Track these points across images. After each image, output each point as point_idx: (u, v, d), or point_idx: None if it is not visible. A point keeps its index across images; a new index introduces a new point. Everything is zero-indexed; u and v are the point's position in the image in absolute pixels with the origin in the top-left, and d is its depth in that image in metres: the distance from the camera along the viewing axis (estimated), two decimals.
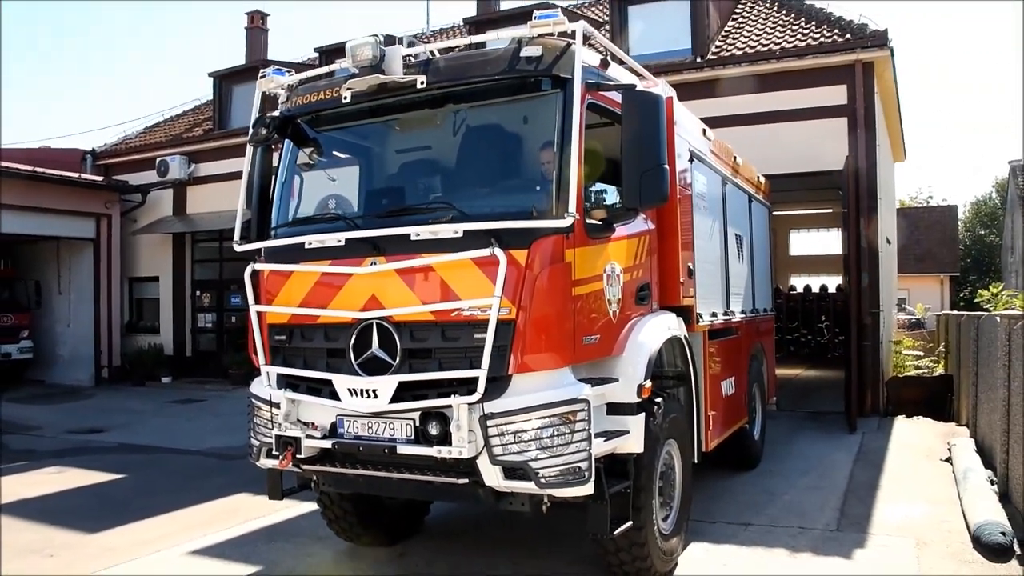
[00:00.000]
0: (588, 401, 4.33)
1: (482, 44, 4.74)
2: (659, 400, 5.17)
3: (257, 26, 21.78)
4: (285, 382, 5.01)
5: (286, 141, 5.49)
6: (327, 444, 4.74)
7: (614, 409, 4.81)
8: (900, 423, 12.06)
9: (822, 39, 12.97)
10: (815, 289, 25.16)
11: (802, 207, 23.51)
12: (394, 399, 4.52)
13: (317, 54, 18.19)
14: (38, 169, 17.16)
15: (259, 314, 5.11)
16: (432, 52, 4.86)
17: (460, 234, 4.44)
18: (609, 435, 4.65)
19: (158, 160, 19.02)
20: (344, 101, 4.92)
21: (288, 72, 5.46)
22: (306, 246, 4.97)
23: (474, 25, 16.76)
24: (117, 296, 19.46)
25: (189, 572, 5.99)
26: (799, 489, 7.89)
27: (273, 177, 5.46)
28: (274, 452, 4.88)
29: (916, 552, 5.94)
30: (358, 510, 5.94)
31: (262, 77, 5.38)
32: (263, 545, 6.52)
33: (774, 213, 24.68)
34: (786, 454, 9.56)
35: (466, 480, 4.43)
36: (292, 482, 5.54)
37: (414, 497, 5.49)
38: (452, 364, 4.46)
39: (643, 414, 4.85)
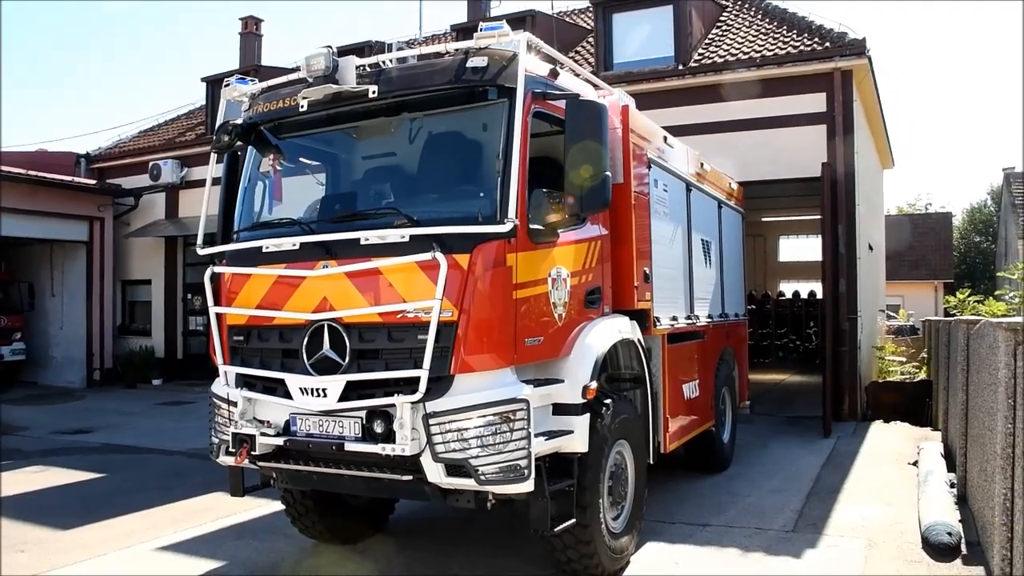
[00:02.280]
0: (527, 401, 4.47)
1: (437, 55, 4.90)
2: (608, 401, 5.31)
3: (251, 31, 22.02)
4: (243, 381, 5.17)
5: (249, 148, 5.66)
6: (279, 441, 4.89)
7: (559, 409, 4.97)
8: (876, 428, 12.18)
9: (802, 47, 13.13)
10: (804, 295, 25.28)
11: (789, 213, 23.64)
12: (342, 398, 4.67)
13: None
14: (34, 173, 17.35)
15: (219, 315, 5.27)
16: (385, 62, 5.02)
17: (406, 239, 4.60)
18: (552, 434, 4.79)
19: (151, 164, 19.24)
20: (301, 110, 5.08)
21: (251, 81, 5.65)
22: (264, 250, 5.13)
23: (461, 32, 16.94)
24: (109, 299, 19.63)
25: (155, 567, 6.14)
26: (763, 491, 8.01)
27: (240, 183, 5.63)
28: (231, 449, 5.03)
29: (865, 552, 6.06)
30: (319, 507, 6.08)
31: (226, 86, 5.57)
32: (230, 542, 6.67)
33: (763, 220, 24.89)
34: (757, 458, 9.68)
35: (410, 477, 4.58)
36: (255, 480, 5.70)
37: (363, 494, 5.63)
38: (397, 364, 4.61)
39: (588, 415, 4.99)
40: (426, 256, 4.44)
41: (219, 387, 5.40)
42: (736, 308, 10.00)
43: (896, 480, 8.53)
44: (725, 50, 14.17)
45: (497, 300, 4.52)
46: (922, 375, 15.56)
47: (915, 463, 9.20)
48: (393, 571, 5.85)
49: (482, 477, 4.39)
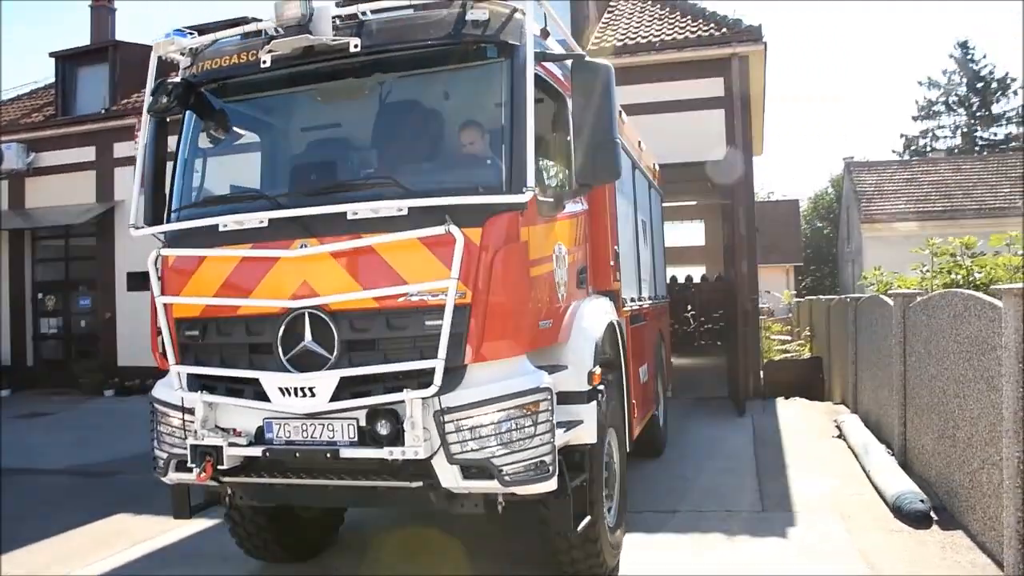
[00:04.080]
0: (551, 390, 4.04)
1: (427, 5, 4.30)
2: (602, 388, 4.95)
3: (103, 4, 19.93)
4: (199, 384, 4.40)
5: (187, 113, 4.84)
6: (255, 452, 4.19)
7: (564, 398, 4.52)
8: (781, 405, 12.55)
9: (700, 33, 13.30)
10: (680, 280, 26.05)
11: (676, 199, 24.22)
12: (334, 397, 4.04)
13: None
14: None
15: (165, 307, 4.45)
16: (365, 12, 4.37)
17: (405, 212, 4.02)
18: (567, 426, 4.37)
19: None
20: (263, 66, 4.36)
21: (190, 34, 4.80)
22: (220, 228, 4.37)
23: None
24: None
25: None
26: (711, 473, 7.95)
27: (179, 153, 4.80)
28: (190, 464, 4.26)
29: (844, 525, 6.06)
30: (273, 525, 5.37)
31: (162, 39, 4.70)
32: (159, 571, 5.80)
33: None
34: (686, 440, 9.66)
35: (419, 483, 4.03)
36: (198, 497, 4.94)
37: (353, 506, 5.01)
38: (399, 355, 4.03)
39: (594, 402, 4.61)
40: (436, 230, 3.89)
41: (164, 391, 4.60)
42: (662, 289, 9.95)
43: (831, 454, 8.73)
44: (622, 34, 14.15)
45: (515, 279, 4.04)
46: (806, 353, 16.33)
47: (839, 436, 9.49)
48: None
49: (506, 478, 3.91)
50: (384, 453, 3.92)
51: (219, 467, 4.20)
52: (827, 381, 13.82)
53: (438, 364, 3.86)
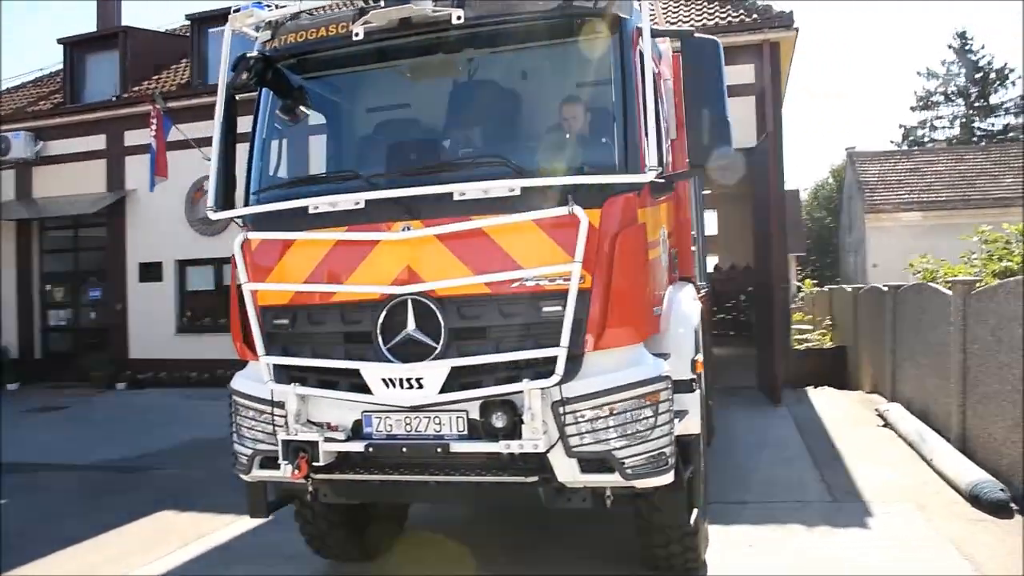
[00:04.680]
0: (670, 378, 3.86)
1: None
2: (697, 376, 4.78)
3: None
4: (287, 376, 4.18)
5: (263, 90, 4.61)
6: (356, 447, 3.97)
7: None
8: (813, 394, 12.43)
9: (730, 19, 13.11)
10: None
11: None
12: (444, 388, 3.84)
13: (188, 22, 16.55)
14: None
15: (252, 294, 4.22)
16: None
17: (517, 192, 3.82)
18: (677, 416, 4.19)
19: None
20: (356, 38, 4.14)
21: (267, 7, 4.56)
22: (310, 210, 4.15)
23: None
24: None
25: None
26: (766, 463, 7.80)
27: (255, 133, 4.56)
28: (281, 460, 4.05)
29: (922, 515, 5.92)
30: (345, 523, 5.16)
31: (236, 11, 4.46)
32: (222, 571, 5.59)
33: None
34: (729, 429, 9.50)
35: (535, 478, 3.83)
36: (272, 494, 4.74)
37: (454, 501, 4.79)
38: (511, 344, 3.84)
39: (698, 391, 4.44)
40: (558, 211, 3.69)
41: (245, 383, 4.39)
42: (706, 277, 9.76)
43: (879, 442, 8.61)
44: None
45: (636, 263, 3.86)
46: (827, 342, 16.22)
47: (884, 425, 9.36)
48: None
49: (628, 471, 3.73)
50: (500, 447, 3.73)
51: (315, 463, 3.98)
52: (854, 371, 13.71)
53: (560, 352, 3.67)
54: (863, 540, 5.51)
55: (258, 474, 4.32)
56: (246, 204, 4.50)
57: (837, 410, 10.86)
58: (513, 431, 3.74)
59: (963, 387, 7.53)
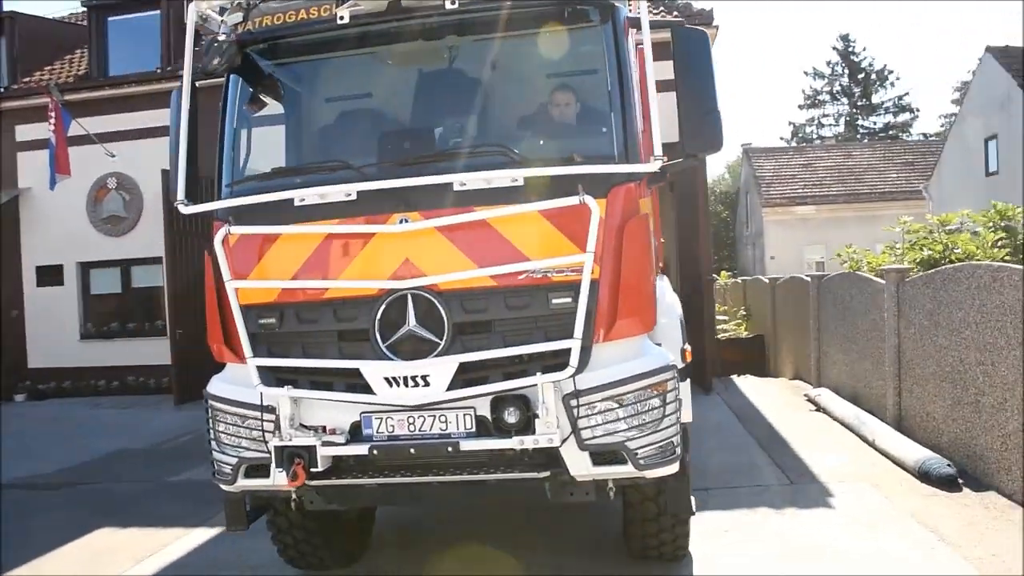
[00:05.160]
0: (676, 367, 3.86)
1: None
2: (687, 365, 4.81)
3: None
4: (274, 379, 3.94)
5: (231, 77, 4.33)
6: (360, 450, 3.78)
7: None
8: (739, 381, 12.85)
9: (651, 16, 13.32)
10: None
11: None
12: (451, 385, 3.71)
13: (85, 9, 15.57)
14: None
15: (235, 292, 3.95)
16: None
17: (520, 182, 3.72)
18: None
19: None
20: (340, 21, 3.93)
21: None
22: (296, 202, 3.92)
23: None
24: None
25: None
26: (716, 449, 7.95)
27: (225, 121, 4.28)
28: (276, 468, 3.82)
29: (879, 493, 6.17)
30: (322, 530, 4.95)
31: None
32: None
33: None
34: None
35: (547, 473, 3.76)
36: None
37: (454, 502, 4.63)
38: (518, 337, 3.74)
39: (688, 380, 4.46)
40: (567, 201, 3.61)
41: (225, 387, 4.12)
42: None
43: (817, 425, 8.95)
44: None
45: (641, 253, 3.83)
46: (742, 332, 16.80)
47: (817, 409, 9.75)
48: None
49: (641, 461, 3.71)
50: (514, 442, 3.63)
51: (312, 469, 3.78)
52: (773, 358, 14.25)
53: (574, 344, 3.60)
54: (831, 519, 5.70)
55: (244, 484, 4.05)
56: (218, 197, 4.22)
57: (766, 397, 11.25)
58: (527, 426, 3.66)
59: (898, 370, 7.92)
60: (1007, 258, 8.23)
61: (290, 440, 3.80)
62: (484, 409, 3.75)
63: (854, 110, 49.16)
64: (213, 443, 4.16)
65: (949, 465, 6.28)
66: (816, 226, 33.01)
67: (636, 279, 3.79)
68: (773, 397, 11.18)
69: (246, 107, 4.36)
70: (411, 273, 3.75)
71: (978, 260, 7.89)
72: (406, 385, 3.74)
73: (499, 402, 3.70)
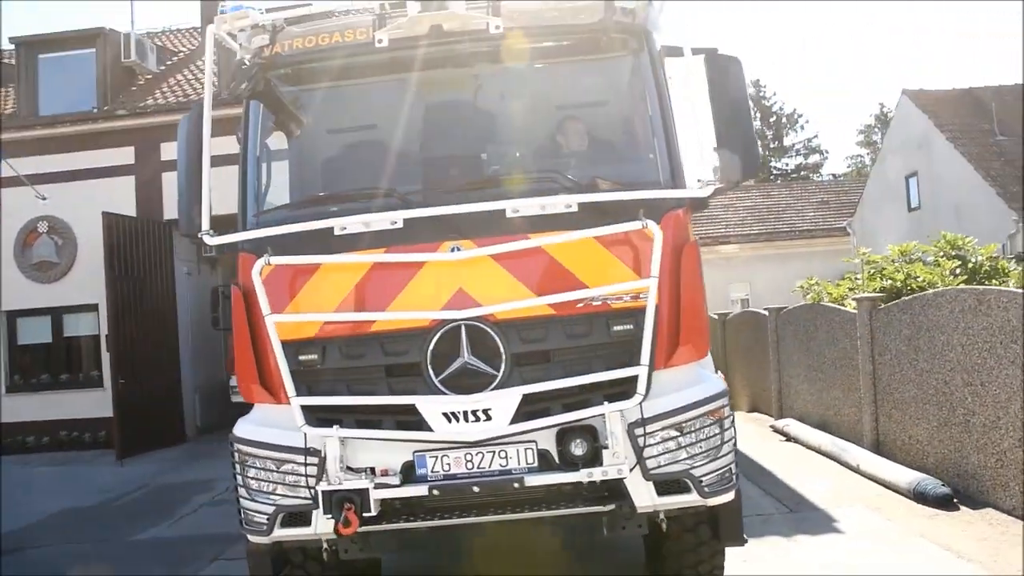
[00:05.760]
0: (729, 393, 3.83)
1: None
2: None
3: None
4: (315, 419, 3.71)
5: (252, 103, 4.15)
6: (419, 491, 3.57)
7: None
8: None
9: None
10: None
11: None
12: (515, 419, 3.56)
13: (13, 47, 14.84)
14: None
15: (274, 327, 3.70)
16: None
17: (574, 208, 3.66)
18: None
19: None
20: (379, 45, 3.82)
21: (252, 10, 4.08)
22: (337, 231, 3.74)
23: None
24: None
25: None
26: None
27: (248, 149, 4.08)
28: (322, 514, 3.57)
29: (880, 516, 6.26)
30: None
31: (225, 13, 3.97)
32: None
33: None
34: None
35: (612, 506, 3.63)
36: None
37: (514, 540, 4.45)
38: (579, 367, 3.63)
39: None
40: (626, 227, 3.55)
41: (259, 431, 3.85)
42: None
43: (794, 454, 9.08)
44: None
45: (697, 279, 3.80)
46: None
47: (788, 439, 9.90)
48: None
49: (706, 489, 3.65)
50: (582, 475, 3.51)
51: (365, 514, 3.54)
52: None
53: (642, 371, 3.53)
54: (845, 543, 5.73)
55: (281, 534, 3.78)
56: (243, 228, 4.00)
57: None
58: (594, 458, 3.54)
59: (874, 396, 8.12)
60: (963, 284, 8.59)
61: (340, 484, 3.56)
62: (546, 442, 3.62)
63: (767, 152, 51.30)
64: (242, 490, 3.88)
65: (944, 485, 6.43)
66: (740, 264, 34.05)
67: (694, 304, 3.77)
68: (738, 429, 11.27)
69: (271, 134, 4.19)
70: (465, 303, 3.61)
71: (944, 287, 8.22)
72: (466, 420, 3.57)
73: (565, 434, 3.58)
